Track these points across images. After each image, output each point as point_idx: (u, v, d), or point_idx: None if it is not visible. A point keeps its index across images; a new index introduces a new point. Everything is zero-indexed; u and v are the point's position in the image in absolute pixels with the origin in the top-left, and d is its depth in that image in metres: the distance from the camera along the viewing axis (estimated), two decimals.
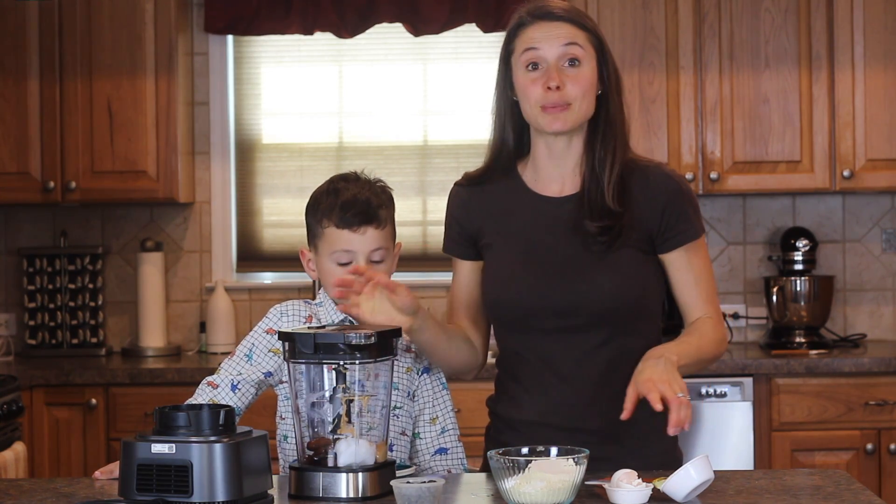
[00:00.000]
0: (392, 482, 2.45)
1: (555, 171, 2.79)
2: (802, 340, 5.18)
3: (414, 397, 2.96)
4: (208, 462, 2.38)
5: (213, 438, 2.40)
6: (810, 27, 5.09)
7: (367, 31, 5.35)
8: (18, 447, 4.50)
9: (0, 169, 5.16)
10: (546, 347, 2.75)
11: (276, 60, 5.53)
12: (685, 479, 2.44)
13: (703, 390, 4.81)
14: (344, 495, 2.50)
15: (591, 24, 2.78)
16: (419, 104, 5.51)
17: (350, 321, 2.91)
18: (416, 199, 5.44)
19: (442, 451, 2.95)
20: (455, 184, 2.94)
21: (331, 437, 2.55)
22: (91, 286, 5.39)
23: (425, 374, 2.96)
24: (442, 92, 5.50)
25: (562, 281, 2.74)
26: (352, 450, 2.52)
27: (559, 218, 2.76)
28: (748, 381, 4.81)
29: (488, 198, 2.85)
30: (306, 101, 5.53)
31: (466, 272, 2.92)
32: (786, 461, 4.79)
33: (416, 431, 2.96)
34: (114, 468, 2.78)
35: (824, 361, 4.84)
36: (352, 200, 2.86)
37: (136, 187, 5.18)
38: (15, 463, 4.42)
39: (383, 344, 2.56)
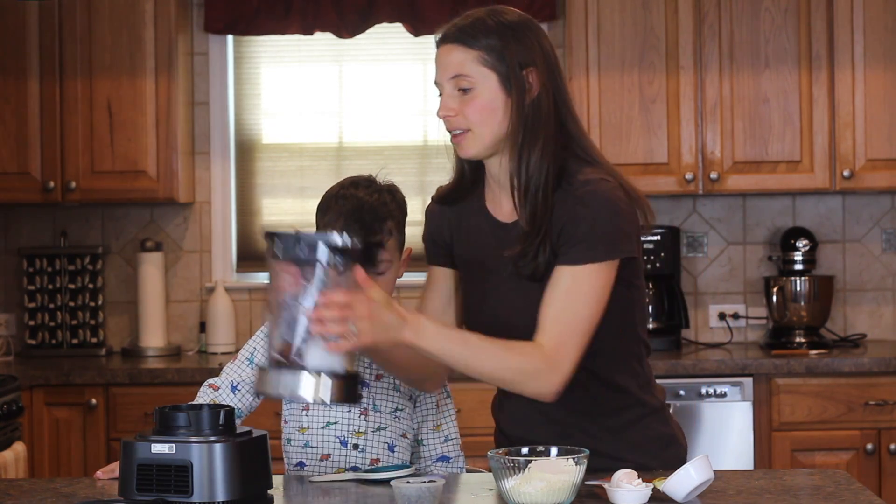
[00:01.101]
0: (392, 482, 2.45)
1: (501, 193, 2.67)
2: (802, 340, 5.18)
3: (416, 402, 2.96)
4: (208, 462, 2.38)
5: (213, 438, 2.40)
6: (810, 27, 5.10)
7: (367, 31, 5.35)
8: (18, 447, 4.50)
9: (0, 169, 5.16)
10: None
11: (276, 60, 5.53)
12: (685, 479, 2.44)
13: (703, 390, 4.81)
14: (307, 397, 2.40)
15: (487, 38, 2.58)
16: (419, 104, 5.51)
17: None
18: (416, 199, 5.44)
19: (444, 458, 2.96)
20: (432, 198, 2.84)
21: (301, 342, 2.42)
22: (91, 286, 5.39)
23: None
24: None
25: (505, 312, 2.65)
26: (320, 354, 2.41)
27: (507, 243, 2.64)
28: (748, 381, 4.81)
29: (455, 217, 2.76)
30: (306, 101, 5.53)
31: (443, 280, 2.81)
32: (786, 461, 4.79)
33: (420, 438, 2.96)
34: (115, 468, 2.77)
35: (824, 361, 4.84)
36: (355, 211, 2.84)
37: (136, 187, 5.18)
38: (15, 463, 4.42)
39: (368, 252, 2.48)
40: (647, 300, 2.83)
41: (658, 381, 4.89)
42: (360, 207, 2.85)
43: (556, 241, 2.57)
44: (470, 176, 2.74)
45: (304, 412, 2.91)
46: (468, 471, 2.98)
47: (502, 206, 2.68)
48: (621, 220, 2.57)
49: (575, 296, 2.53)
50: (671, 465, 2.61)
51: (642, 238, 2.81)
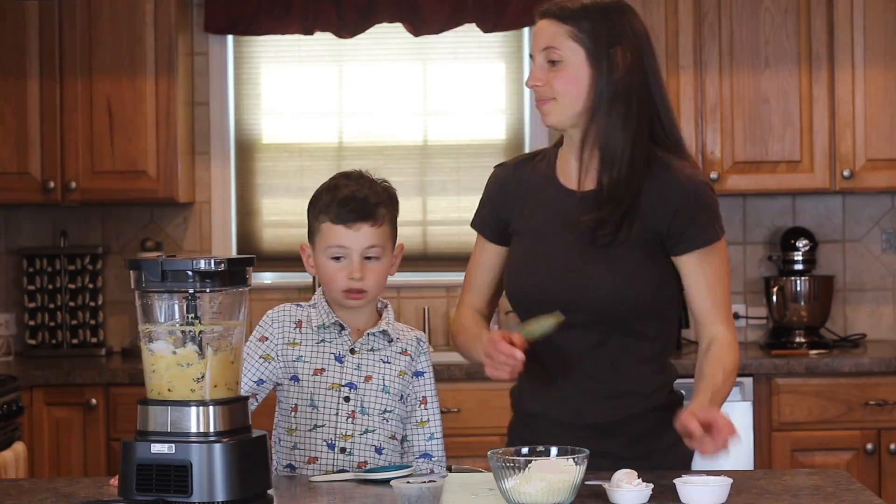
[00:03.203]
0: (392, 482, 2.45)
1: (576, 162, 2.80)
2: (802, 340, 5.18)
3: (406, 401, 2.95)
4: (208, 462, 2.38)
5: (212, 438, 2.40)
6: (810, 27, 5.09)
7: (367, 31, 5.35)
8: (18, 447, 4.50)
9: (0, 169, 5.16)
10: (552, 340, 2.75)
11: (276, 60, 5.52)
12: (707, 495, 2.43)
13: None
14: (194, 430, 2.41)
15: (581, 16, 2.75)
16: (419, 104, 5.51)
17: (340, 323, 2.91)
18: (416, 199, 5.44)
19: (426, 456, 2.96)
20: (496, 165, 2.97)
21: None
22: (91, 286, 5.39)
23: (416, 378, 2.96)
24: (442, 92, 5.50)
25: (562, 276, 2.75)
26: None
27: (575, 212, 2.76)
28: (748, 381, 4.81)
29: (523, 182, 2.87)
30: (306, 101, 5.52)
31: (489, 254, 2.93)
32: (786, 461, 4.79)
33: (405, 433, 2.96)
34: None
35: (824, 361, 4.84)
36: (349, 197, 2.88)
37: (136, 187, 5.18)
38: (15, 463, 4.42)
39: (235, 272, 2.46)
40: None
41: None
42: (352, 194, 2.88)
43: (666, 227, 2.72)
44: (554, 143, 2.89)
45: (293, 413, 2.90)
46: (467, 471, 2.97)
47: (572, 175, 2.80)
48: (715, 201, 2.79)
49: (717, 276, 2.76)
50: (676, 462, 2.73)
51: None
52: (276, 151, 5.54)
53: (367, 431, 2.88)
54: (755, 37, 5.11)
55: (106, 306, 5.46)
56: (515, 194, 2.87)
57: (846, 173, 5.09)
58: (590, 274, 2.73)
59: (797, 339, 5.19)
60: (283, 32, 5.37)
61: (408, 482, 2.43)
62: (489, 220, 2.92)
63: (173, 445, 2.39)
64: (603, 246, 2.72)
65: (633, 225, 2.72)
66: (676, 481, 2.47)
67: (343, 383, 2.90)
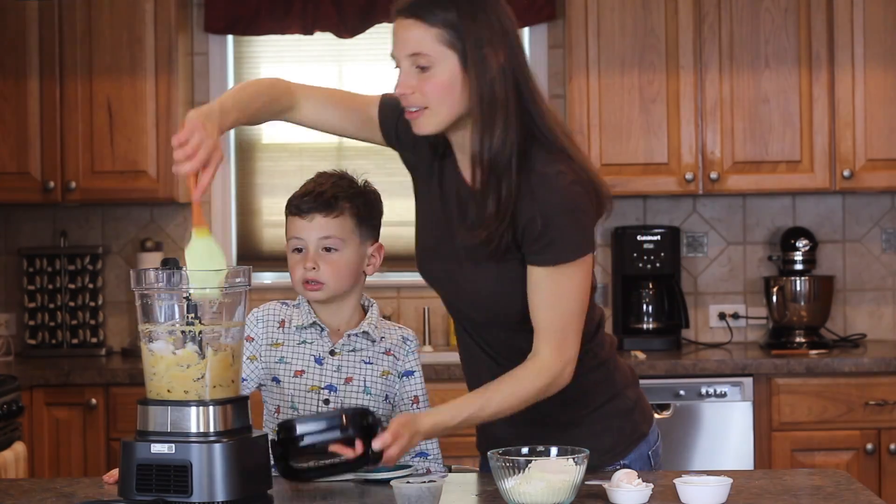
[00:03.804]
0: (392, 482, 2.45)
1: (464, 160, 2.64)
2: (802, 340, 5.18)
3: (391, 402, 2.94)
4: (208, 462, 2.38)
5: (212, 438, 2.40)
6: (810, 27, 5.10)
7: (367, 31, 5.35)
8: (18, 447, 4.50)
9: (0, 169, 5.16)
10: (473, 331, 2.75)
11: (276, 60, 5.53)
12: (707, 495, 2.43)
13: (703, 390, 4.81)
14: (194, 430, 2.42)
15: (446, 14, 2.50)
16: None
17: (318, 322, 2.91)
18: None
19: (423, 455, 2.94)
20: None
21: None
22: (91, 286, 5.39)
23: (406, 378, 2.95)
24: None
25: (456, 280, 2.68)
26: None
27: (467, 209, 2.64)
28: (748, 381, 4.81)
29: (428, 146, 2.70)
30: None
31: (365, 115, 2.75)
32: (786, 461, 4.79)
33: None
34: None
35: (824, 361, 4.84)
36: (308, 190, 2.89)
37: (136, 187, 5.18)
38: (15, 463, 4.42)
39: (235, 272, 2.46)
40: (596, 284, 2.80)
41: (658, 380, 4.90)
42: (313, 188, 2.88)
43: (519, 235, 2.57)
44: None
45: (276, 415, 2.89)
46: (467, 471, 2.97)
47: (465, 172, 2.65)
48: (582, 218, 2.56)
49: (559, 296, 2.57)
50: (619, 420, 2.75)
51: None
52: (276, 151, 5.54)
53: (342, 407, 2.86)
54: (755, 37, 5.11)
55: (106, 306, 5.46)
56: (416, 145, 2.71)
57: (846, 173, 5.09)
58: (479, 282, 2.64)
59: (797, 339, 5.19)
60: (283, 32, 5.37)
61: (408, 482, 2.43)
62: (392, 126, 2.73)
63: (173, 445, 2.39)
64: (487, 258, 2.60)
65: (509, 236, 2.57)
66: (676, 481, 2.47)
67: (322, 385, 2.88)
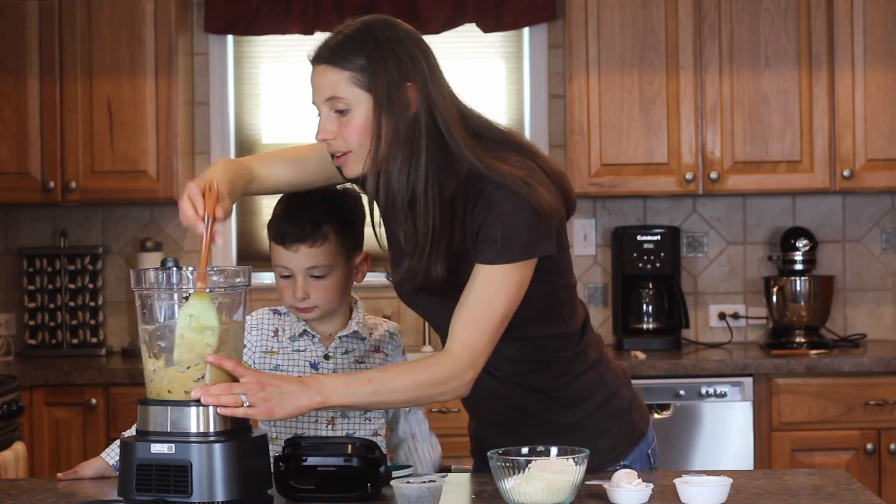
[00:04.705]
0: (392, 482, 2.45)
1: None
2: (802, 340, 5.18)
3: None
4: (207, 462, 2.38)
5: (212, 438, 2.40)
6: (810, 27, 5.10)
7: None
8: (18, 447, 4.50)
9: (0, 169, 5.16)
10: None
11: (276, 60, 5.53)
12: (707, 495, 2.43)
13: (703, 390, 4.81)
14: (193, 430, 2.41)
15: (357, 57, 2.52)
16: None
17: (309, 331, 2.90)
18: None
19: (412, 435, 2.95)
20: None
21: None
22: (91, 286, 5.39)
23: None
24: None
25: (426, 307, 2.69)
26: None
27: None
28: (748, 381, 4.81)
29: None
30: (306, 101, 5.50)
31: (318, 164, 2.76)
32: (786, 461, 4.79)
33: (394, 418, 2.97)
34: (78, 469, 2.79)
35: (824, 361, 4.84)
36: (288, 215, 2.81)
37: (136, 187, 5.18)
38: (15, 463, 4.42)
39: (235, 272, 2.46)
40: (575, 282, 2.77)
41: (658, 380, 4.91)
42: (293, 211, 2.81)
43: (472, 245, 2.55)
44: None
45: (273, 422, 2.88)
46: (467, 471, 2.97)
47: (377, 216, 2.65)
48: (533, 221, 2.52)
49: (486, 294, 2.53)
50: (614, 420, 2.75)
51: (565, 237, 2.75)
52: None
53: (348, 435, 2.86)
54: (755, 37, 5.11)
55: (106, 306, 5.46)
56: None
57: (846, 173, 5.09)
58: (446, 306, 2.60)
59: (797, 339, 5.19)
60: (283, 32, 5.37)
61: (408, 482, 2.43)
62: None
63: (173, 445, 2.39)
64: (430, 292, 2.58)
65: (440, 263, 2.55)
66: (676, 481, 2.47)
67: None
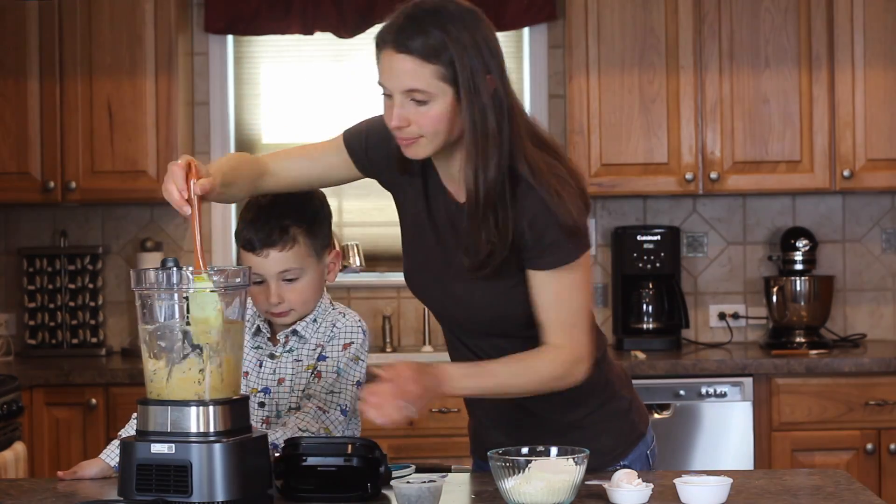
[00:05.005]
0: (392, 482, 2.45)
1: (447, 177, 2.68)
2: (802, 340, 5.18)
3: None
4: (208, 462, 2.38)
5: (212, 438, 2.40)
6: (810, 27, 5.10)
7: (367, 31, 5.35)
8: (18, 447, 4.50)
9: (0, 169, 5.16)
10: (461, 345, 2.76)
11: (276, 60, 5.53)
12: (707, 495, 2.43)
13: (703, 390, 4.81)
14: (194, 430, 2.42)
15: (439, 49, 2.50)
16: None
17: (262, 329, 2.88)
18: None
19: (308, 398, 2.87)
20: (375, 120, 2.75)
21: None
22: (91, 286, 5.39)
23: (321, 360, 2.88)
24: None
25: (449, 295, 2.68)
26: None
27: (457, 224, 2.65)
28: (748, 381, 4.81)
29: (396, 164, 2.71)
30: (306, 101, 5.53)
31: (335, 159, 2.76)
32: (786, 461, 4.79)
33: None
34: (77, 469, 2.79)
35: (824, 361, 4.84)
36: (255, 220, 2.81)
37: (136, 187, 5.18)
38: (15, 463, 4.42)
39: (235, 272, 2.46)
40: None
41: (658, 380, 4.91)
42: (260, 217, 2.81)
43: (518, 244, 2.58)
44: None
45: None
46: (467, 471, 2.97)
47: (450, 183, 2.67)
48: (578, 216, 2.58)
49: (564, 294, 2.60)
50: (616, 420, 2.75)
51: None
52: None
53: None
54: (755, 37, 5.11)
55: (106, 306, 5.46)
56: (388, 166, 2.72)
57: (846, 173, 5.09)
58: (475, 296, 2.64)
59: (797, 339, 5.19)
60: (283, 32, 5.37)
61: (408, 482, 2.43)
62: (361, 154, 2.74)
63: (173, 445, 2.39)
64: (487, 277, 2.61)
65: (505, 251, 2.58)
66: (676, 481, 2.47)
67: (259, 388, 2.88)
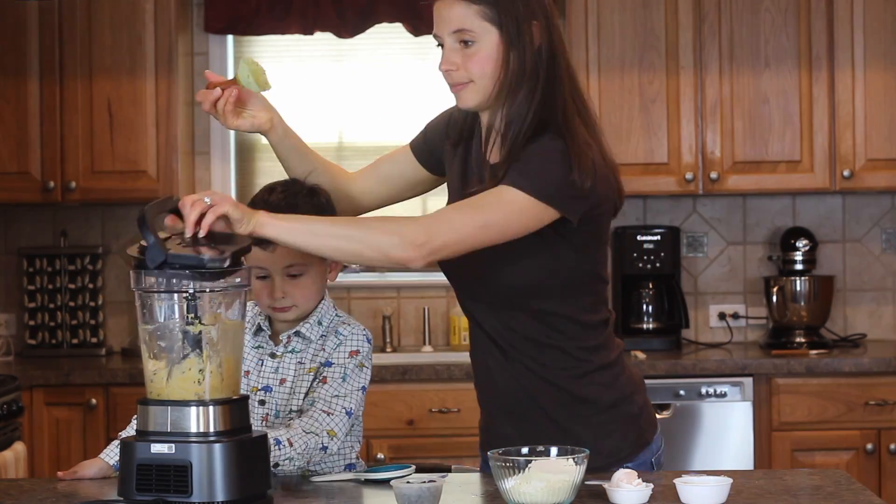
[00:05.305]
0: (392, 482, 2.45)
1: (496, 138, 2.73)
2: (802, 340, 5.18)
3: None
4: (208, 462, 2.38)
5: (212, 438, 2.40)
6: (810, 27, 5.10)
7: (367, 31, 5.35)
8: (18, 447, 4.50)
9: (0, 169, 5.16)
10: (483, 319, 2.77)
11: (276, 60, 5.53)
12: (707, 495, 2.43)
13: (703, 390, 4.81)
14: (193, 430, 2.42)
15: None
16: (419, 104, 5.50)
17: (263, 327, 2.89)
18: (415, 199, 5.42)
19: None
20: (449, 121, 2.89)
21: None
22: (91, 286, 5.39)
23: (325, 367, 2.88)
24: (442, 92, 5.49)
25: (464, 261, 2.69)
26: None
27: (480, 182, 2.71)
28: (748, 381, 4.81)
29: (462, 150, 2.82)
30: (306, 101, 5.53)
31: (408, 164, 2.91)
32: (786, 461, 4.79)
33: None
34: (77, 469, 2.79)
35: (824, 361, 4.85)
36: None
37: (136, 187, 5.18)
38: (15, 463, 4.42)
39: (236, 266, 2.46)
40: (607, 282, 2.80)
41: (658, 380, 4.91)
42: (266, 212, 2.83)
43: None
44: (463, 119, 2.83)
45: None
46: (467, 471, 2.97)
47: (496, 149, 2.72)
48: (565, 175, 2.58)
49: (487, 200, 2.59)
50: (623, 423, 2.74)
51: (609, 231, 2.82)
52: None
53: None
54: (755, 37, 5.11)
55: (106, 306, 5.46)
56: (441, 145, 2.86)
57: (846, 173, 5.09)
58: (482, 257, 2.65)
59: (797, 339, 5.19)
60: (283, 32, 5.37)
61: (408, 482, 2.43)
62: (426, 150, 2.90)
63: (173, 445, 2.40)
64: None
65: None
66: (676, 481, 2.47)
67: (260, 387, 2.88)
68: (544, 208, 2.58)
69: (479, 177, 2.73)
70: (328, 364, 2.87)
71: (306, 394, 2.86)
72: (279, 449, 2.67)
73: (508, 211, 2.57)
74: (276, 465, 2.68)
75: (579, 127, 2.65)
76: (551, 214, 2.59)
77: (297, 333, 2.89)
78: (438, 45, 2.68)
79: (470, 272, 2.72)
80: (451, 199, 2.79)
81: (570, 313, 2.72)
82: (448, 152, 2.84)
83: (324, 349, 2.88)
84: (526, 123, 2.63)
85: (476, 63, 2.64)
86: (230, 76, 2.86)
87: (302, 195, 2.87)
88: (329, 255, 2.64)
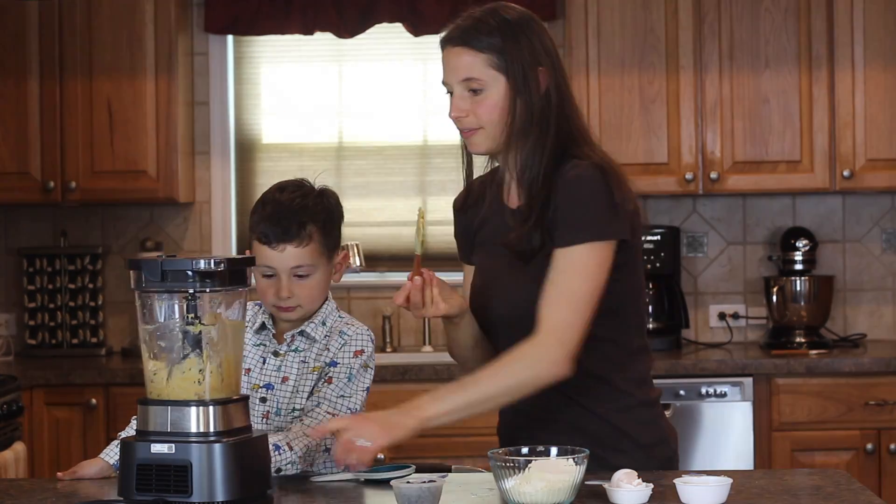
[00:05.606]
0: (392, 482, 2.45)
1: (512, 182, 2.78)
2: (802, 340, 5.18)
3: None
4: (208, 462, 2.38)
5: (212, 438, 2.40)
6: (810, 27, 5.10)
7: (367, 31, 5.35)
8: (18, 447, 4.50)
9: (0, 169, 5.16)
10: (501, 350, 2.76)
11: (276, 60, 5.53)
12: (707, 495, 2.43)
13: (703, 390, 4.81)
14: (194, 430, 2.43)
15: (491, 39, 2.68)
16: (419, 104, 5.50)
17: (267, 325, 2.90)
18: (415, 199, 5.44)
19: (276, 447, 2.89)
20: (454, 201, 2.97)
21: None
22: (91, 286, 5.39)
23: (331, 367, 2.89)
24: (442, 92, 5.48)
25: (497, 290, 2.75)
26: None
27: (506, 226, 2.75)
28: (748, 381, 4.81)
29: (477, 214, 2.88)
30: (306, 101, 5.53)
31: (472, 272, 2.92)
32: (786, 461, 4.79)
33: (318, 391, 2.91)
34: (77, 469, 2.80)
35: (824, 361, 4.85)
36: (273, 215, 2.84)
37: (136, 187, 5.18)
38: (15, 463, 4.42)
39: (235, 272, 2.47)
40: (646, 299, 2.82)
41: (658, 380, 4.89)
42: (278, 212, 2.84)
43: (550, 224, 2.66)
44: (478, 184, 2.87)
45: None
46: (467, 471, 2.97)
47: (513, 194, 2.78)
48: (609, 202, 2.64)
49: (568, 274, 2.63)
50: (657, 464, 2.71)
51: (643, 238, 2.85)
52: (276, 151, 5.54)
53: (279, 430, 2.84)
54: (755, 37, 5.11)
55: (106, 306, 5.46)
56: (473, 223, 2.88)
57: (846, 173, 5.09)
58: (517, 286, 2.70)
59: (797, 339, 5.19)
60: (283, 32, 5.37)
61: (408, 482, 2.43)
62: (468, 250, 2.93)
63: (173, 445, 2.40)
64: (520, 256, 2.69)
65: (540, 230, 2.67)
66: (676, 481, 2.47)
67: (262, 384, 2.89)
68: (607, 244, 2.64)
69: (500, 224, 2.76)
70: (333, 364, 2.88)
71: (310, 393, 2.87)
72: (279, 454, 2.68)
73: (588, 267, 2.63)
74: (279, 469, 2.69)
75: (595, 147, 2.72)
76: (615, 244, 2.65)
77: (302, 333, 2.90)
78: (448, 92, 2.74)
79: (516, 312, 2.71)
80: (483, 252, 2.83)
81: (615, 336, 2.74)
82: (475, 223, 2.87)
83: (328, 349, 2.89)
84: (541, 167, 2.68)
85: (485, 110, 2.70)
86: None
87: (313, 196, 2.89)
88: (488, 404, 2.65)
